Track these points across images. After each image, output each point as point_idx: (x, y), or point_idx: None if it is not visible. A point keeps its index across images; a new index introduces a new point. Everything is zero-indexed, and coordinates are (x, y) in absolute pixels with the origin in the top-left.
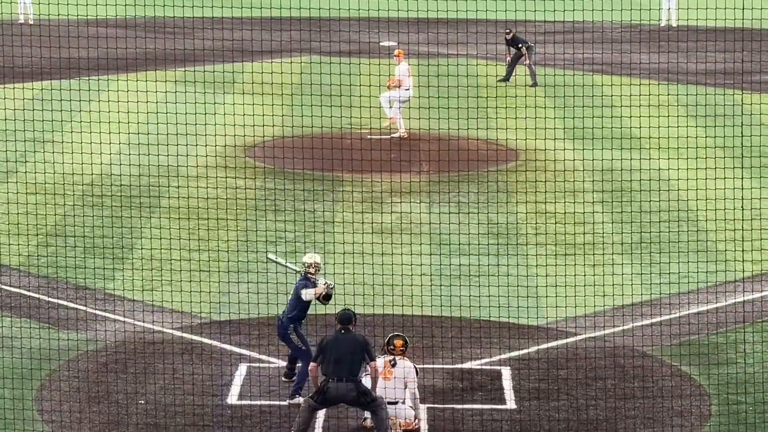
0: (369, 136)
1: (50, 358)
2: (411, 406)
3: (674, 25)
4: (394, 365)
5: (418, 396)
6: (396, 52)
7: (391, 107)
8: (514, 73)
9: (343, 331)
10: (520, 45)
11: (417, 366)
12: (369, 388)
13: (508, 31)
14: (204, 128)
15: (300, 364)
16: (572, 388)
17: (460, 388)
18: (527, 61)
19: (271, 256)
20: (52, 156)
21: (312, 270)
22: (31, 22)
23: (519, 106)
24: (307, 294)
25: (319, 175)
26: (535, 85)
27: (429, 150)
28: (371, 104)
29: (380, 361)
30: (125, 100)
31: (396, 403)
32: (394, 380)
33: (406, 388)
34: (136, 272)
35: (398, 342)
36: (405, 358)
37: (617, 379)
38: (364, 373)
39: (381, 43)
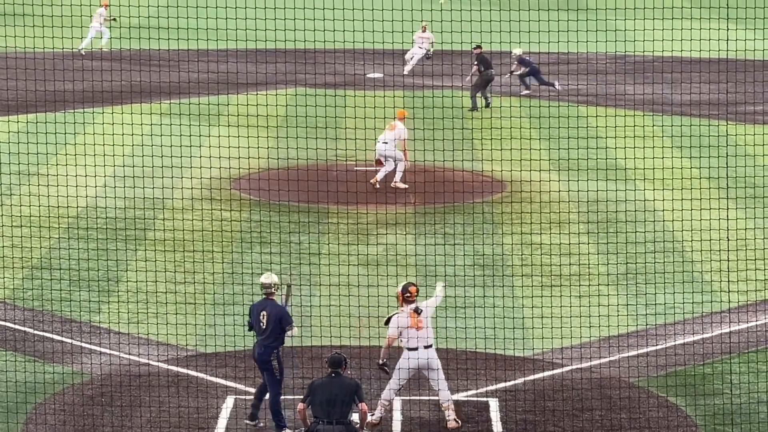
0: (355, 168)
1: (36, 392)
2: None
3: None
4: (419, 313)
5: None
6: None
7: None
8: (487, 99)
9: (333, 375)
10: (478, 66)
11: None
12: (358, 428)
13: (476, 46)
14: (190, 160)
15: (268, 397)
16: (560, 419)
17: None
18: (468, 82)
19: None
20: (38, 189)
21: (273, 290)
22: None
23: (505, 138)
24: (293, 333)
25: (306, 207)
26: (473, 109)
27: (415, 181)
28: (356, 136)
29: (404, 315)
30: (111, 132)
31: (431, 347)
32: (426, 329)
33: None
34: (123, 305)
35: (413, 289)
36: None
37: (605, 410)
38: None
39: (367, 75)
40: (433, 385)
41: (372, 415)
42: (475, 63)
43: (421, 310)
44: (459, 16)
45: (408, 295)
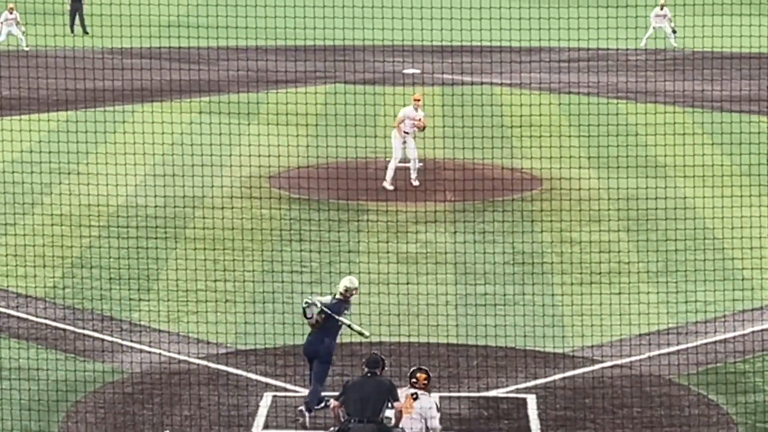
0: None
1: (76, 390)
2: None
3: (674, 44)
4: (416, 398)
5: (439, 428)
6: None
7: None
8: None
9: (369, 375)
10: None
11: (437, 400)
12: (392, 426)
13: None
14: (228, 158)
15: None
16: (598, 415)
17: (486, 417)
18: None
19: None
20: (77, 187)
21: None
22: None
23: (543, 135)
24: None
25: (343, 203)
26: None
27: (454, 179)
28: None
29: (402, 394)
30: (149, 131)
31: None
32: (414, 415)
33: (426, 420)
34: (161, 302)
35: (421, 375)
36: (426, 392)
37: (643, 407)
38: (386, 411)
39: (404, 71)
40: None
41: None
42: None
43: (417, 397)
44: (495, 14)
45: (414, 381)
